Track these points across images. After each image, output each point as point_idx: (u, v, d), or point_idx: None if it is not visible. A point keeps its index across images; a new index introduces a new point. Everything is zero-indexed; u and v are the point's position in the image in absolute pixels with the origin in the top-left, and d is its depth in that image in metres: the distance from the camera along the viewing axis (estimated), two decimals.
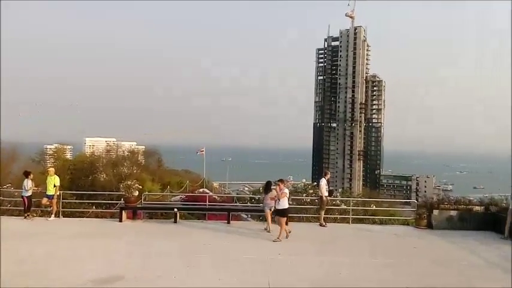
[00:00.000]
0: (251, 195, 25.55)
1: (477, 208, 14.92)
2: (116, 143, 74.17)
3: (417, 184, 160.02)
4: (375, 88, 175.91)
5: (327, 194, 14.85)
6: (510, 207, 13.30)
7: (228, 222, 14.79)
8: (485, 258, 11.01)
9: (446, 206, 15.00)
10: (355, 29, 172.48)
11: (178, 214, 14.94)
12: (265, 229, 13.45)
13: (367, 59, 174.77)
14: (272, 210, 12.92)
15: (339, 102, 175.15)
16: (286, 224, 12.36)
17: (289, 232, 12.37)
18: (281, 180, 12.57)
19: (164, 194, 30.80)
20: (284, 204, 12.19)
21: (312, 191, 16.88)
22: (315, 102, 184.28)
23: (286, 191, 12.38)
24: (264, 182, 13.96)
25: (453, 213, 14.82)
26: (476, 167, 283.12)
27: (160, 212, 16.84)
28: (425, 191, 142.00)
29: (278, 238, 12.05)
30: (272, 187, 13.22)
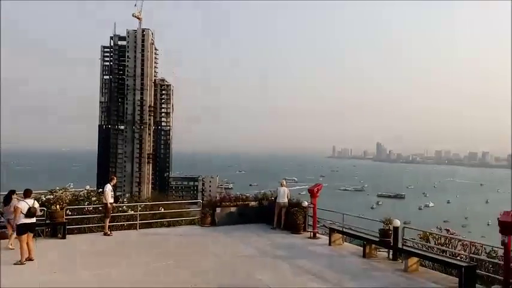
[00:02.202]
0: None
1: (253, 203, 16.80)
2: None
3: (203, 184, 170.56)
4: (163, 92, 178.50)
5: (112, 200, 14.04)
6: (277, 200, 15.48)
7: None
8: (259, 248, 12.47)
9: (227, 204, 16.32)
10: (143, 30, 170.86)
11: None
12: (9, 247, 11.59)
13: (155, 62, 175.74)
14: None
15: (127, 103, 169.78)
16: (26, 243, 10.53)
17: (28, 259, 10.43)
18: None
19: None
20: (18, 220, 10.57)
21: (95, 199, 15.54)
22: (101, 102, 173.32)
23: (21, 205, 10.64)
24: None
25: (233, 209, 16.24)
26: (251, 166, 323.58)
27: None
28: (210, 190, 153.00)
29: (19, 261, 10.27)
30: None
